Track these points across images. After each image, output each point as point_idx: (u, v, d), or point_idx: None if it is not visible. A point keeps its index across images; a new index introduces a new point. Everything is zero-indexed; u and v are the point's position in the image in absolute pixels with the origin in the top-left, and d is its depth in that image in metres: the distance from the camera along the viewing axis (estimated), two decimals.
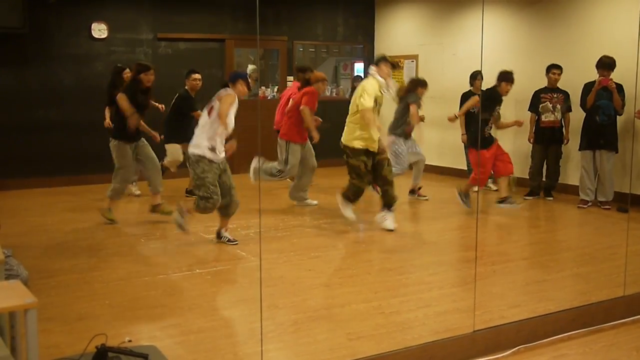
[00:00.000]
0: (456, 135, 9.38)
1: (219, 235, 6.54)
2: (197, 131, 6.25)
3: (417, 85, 8.47)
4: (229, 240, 6.46)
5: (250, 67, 11.53)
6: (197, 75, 8.46)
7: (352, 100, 7.02)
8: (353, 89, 12.42)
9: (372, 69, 6.92)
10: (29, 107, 9.58)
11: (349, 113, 6.99)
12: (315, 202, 8.31)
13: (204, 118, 6.23)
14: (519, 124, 8.16)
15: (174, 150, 8.42)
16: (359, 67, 12.57)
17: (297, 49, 11.65)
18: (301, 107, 7.88)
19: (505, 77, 7.72)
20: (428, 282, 5.29)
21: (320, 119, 8.29)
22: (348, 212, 7.11)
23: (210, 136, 6.13)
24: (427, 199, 8.72)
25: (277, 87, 11.43)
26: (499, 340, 4.10)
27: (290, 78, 11.41)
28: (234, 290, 5.18)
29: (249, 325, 4.32)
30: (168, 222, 7.37)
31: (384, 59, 6.93)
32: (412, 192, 8.82)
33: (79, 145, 9.77)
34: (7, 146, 9.41)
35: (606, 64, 7.86)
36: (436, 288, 5.16)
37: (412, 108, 8.23)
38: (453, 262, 6.02)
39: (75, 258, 5.96)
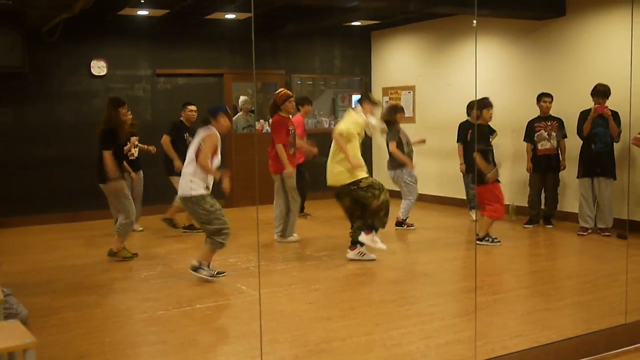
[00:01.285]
0: (455, 165, 9.40)
1: (197, 269, 6.33)
2: (189, 170, 6.15)
3: (395, 113, 8.64)
4: (218, 273, 6.36)
5: (242, 98, 11.59)
6: (193, 107, 8.70)
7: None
8: None
9: (358, 106, 7.18)
10: (29, 145, 9.64)
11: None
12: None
13: (192, 159, 6.15)
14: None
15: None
16: (356, 99, 12.65)
17: (295, 82, 11.75)
18: (276, 145, 7.79)
19: (484, 104, 7.76)
20: (429, 313, 5.27)
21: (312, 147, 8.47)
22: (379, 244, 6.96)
23: (204, 177, 6.14)
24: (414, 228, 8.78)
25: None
26: None
27: None
28: (235, 325, 5.16)
29: None
30: (168, 257, 7.38)
31: (366, 98, 7.24)
32: (401, 224, 8.81)
33: (78, 182, 9.79)
34: (7, 184, 9.45)
35: (601, 92, 7.93)
36: (437, 319, 5.14)
37: (391, 146, 8.40)
38: (453, 293, 6.01)
39: (76, 295, 5.95)
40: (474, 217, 9.12)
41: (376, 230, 6.94)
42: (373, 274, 6.79)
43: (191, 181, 6.11)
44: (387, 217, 6.95)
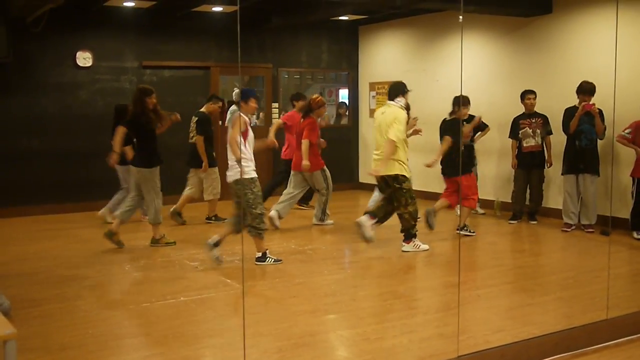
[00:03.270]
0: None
1: (263, 257, 6.65)
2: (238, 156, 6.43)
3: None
4: (274, 261, 6.69)
5: (237, 91, 11.56)
6: (220, 103, 9.02)
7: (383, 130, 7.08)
8: (338, 115, 12.54)
9: (401, 99, 7.13)
10: (13, 136, 9.56)
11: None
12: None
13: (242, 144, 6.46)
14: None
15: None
16: (343, 94, 12.65)
17: (282, 76, 11.73)
18: (302, 140, 8.26)
19: (462, 101, 7.87)
20: (412, 308, 5.29)
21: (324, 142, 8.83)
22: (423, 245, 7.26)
23: (251, 158, 6.48)
24: None
25: (261, 113, 11.48)
26: None
27: (276, 105, 11.47)
28: (218, 318, 5.15)
29: (233, 352, 4.30)
30: (151, 249, 7.35)
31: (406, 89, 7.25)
32: None
33: (62, 174, 9.74)
34: None
35: (587, 90, 7.97)
36: (420, 313, 5.16)
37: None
38: (437, 287, 6.03)
39: (58, 287, 5.91)
40: (459, 212, 9.14)
41: (415, 237, 7.23)
42: (357, 268, 6.80)
43: (243, 164, 6.43)
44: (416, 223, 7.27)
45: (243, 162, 6.38)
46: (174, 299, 5.54)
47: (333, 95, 12.76)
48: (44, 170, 9.74)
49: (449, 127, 7.90)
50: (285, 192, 8.60)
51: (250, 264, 6.70)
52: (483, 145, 9.50)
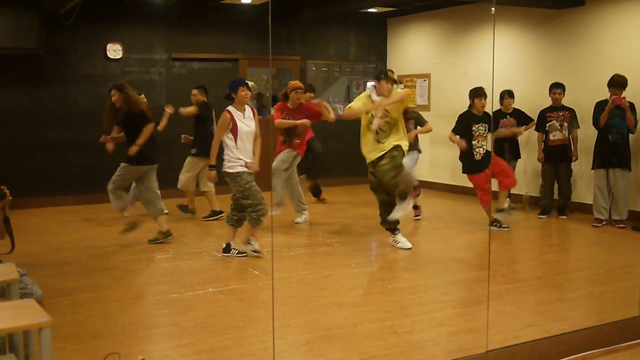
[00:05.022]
0: None
1: (248, 242, 6.68)
2: (228, 150, 6.45)
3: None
4: (254, 251, 6.65)
5: (249, 84, 11.60)
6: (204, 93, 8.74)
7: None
8: None
9: (369, 85, 6.90)
10: (44, 127, 9.69)
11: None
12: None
13: (231, 138, 6.42)
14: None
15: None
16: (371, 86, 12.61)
17: (310, 68, 11.72)
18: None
19: (477, 93, 7.75)
20: (441, 302, 5.26)
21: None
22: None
23: (237, 155, 6.42)
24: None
25: None
26: None
27: None
28: (247, 309, 5.18)
29: (261, 344, 4.32)
30: (180, 240, 7.40)
31: (384, 75, 6.82)
32: None
33: (92, 165, 9.84)
34: (22, 165, 9.50)
35: (618, 83, 7.85)
36: (449, 307, 5.14)
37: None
38: (466, 281, 6.00)
39: (89, 277, 5.99)
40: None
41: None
42: (385, 261, 6.79)
43: (227, 160, 6.46)
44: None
45: (228, 157, 6.42)
46: (203, 289, 5.58)
47: (361, 88, 12.71)
48: (75, 161, 9.86)
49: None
50: None
51: (277, 255, 6.73)
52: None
